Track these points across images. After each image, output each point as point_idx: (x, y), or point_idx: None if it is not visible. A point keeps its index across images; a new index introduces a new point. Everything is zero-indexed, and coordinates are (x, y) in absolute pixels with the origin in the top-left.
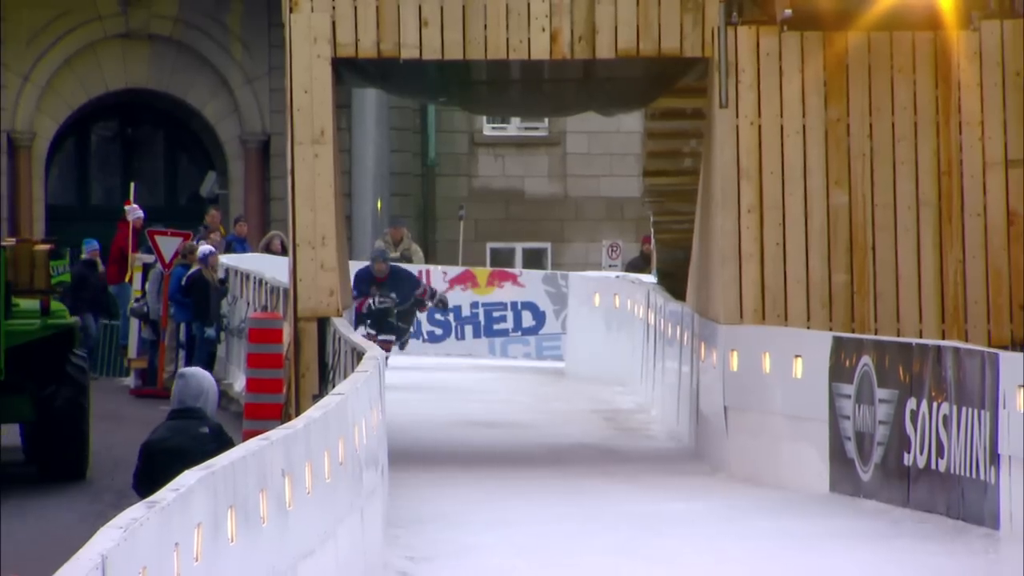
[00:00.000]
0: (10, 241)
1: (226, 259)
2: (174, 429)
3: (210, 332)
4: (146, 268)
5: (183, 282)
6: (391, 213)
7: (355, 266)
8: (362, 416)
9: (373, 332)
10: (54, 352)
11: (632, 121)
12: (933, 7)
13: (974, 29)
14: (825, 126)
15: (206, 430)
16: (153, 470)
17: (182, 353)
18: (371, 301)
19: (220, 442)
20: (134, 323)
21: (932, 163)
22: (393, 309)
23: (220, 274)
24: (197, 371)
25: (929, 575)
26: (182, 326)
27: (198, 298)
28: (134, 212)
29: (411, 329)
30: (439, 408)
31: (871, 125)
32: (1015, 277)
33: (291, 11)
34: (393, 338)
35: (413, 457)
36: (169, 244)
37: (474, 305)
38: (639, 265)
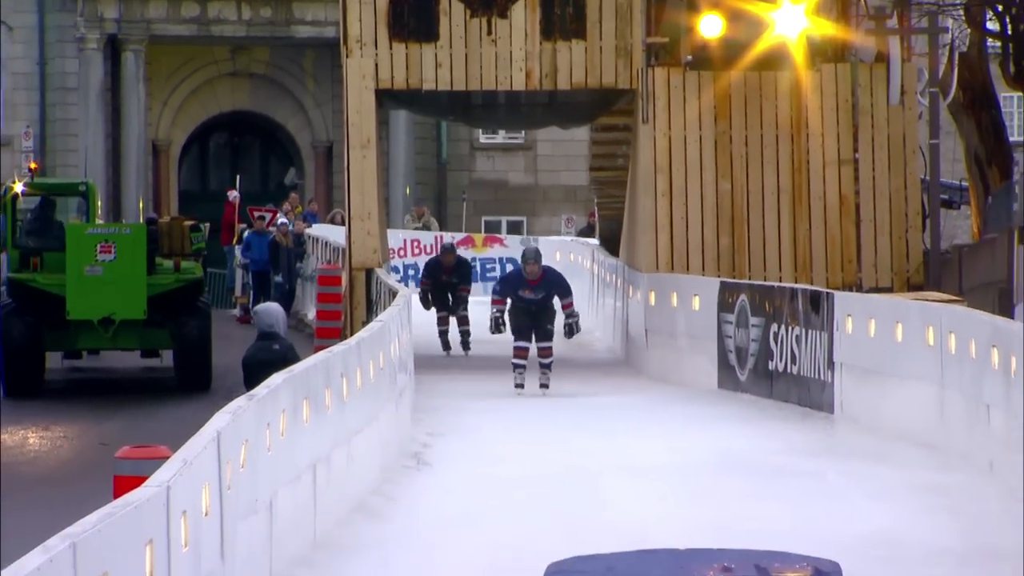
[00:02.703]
0: (165, 219)
1: (306, 228)
2: (259, 348)
3: (277, 279)
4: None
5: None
6: (416, 196)
7: (392, 234)
8: (396, 336)
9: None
10: (186, 297)
11: (582, 132)
12: (789, 55)
13: (817, 70)
14: (715, 136)
15: (277, 347)
16: (251, 376)
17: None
18: (510, 302)
19: (290, 354)
20: (239, 272)
21: (788, 163)
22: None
23: (300, 239)
24: (267, 306)
25: (786, 444)
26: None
27: (272, 255)
28: (233, 195)
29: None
30: (450, 330)
31: (746, 136)
32: (844, 241)
33: (347, 56)
34: (550, 344)
35: (431, 364)
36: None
37: (473, 260)
38: (587, 232)
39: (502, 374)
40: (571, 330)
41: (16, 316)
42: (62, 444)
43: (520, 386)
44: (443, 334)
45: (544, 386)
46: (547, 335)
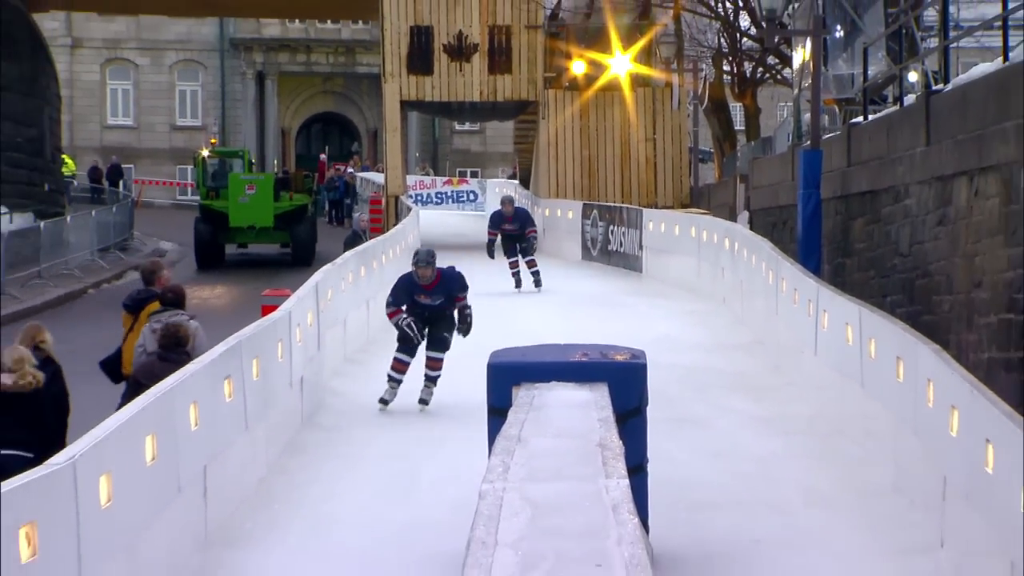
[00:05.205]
0: (293, 171)
1: (363, 174)
2: (348, 235)
3: (348, 201)
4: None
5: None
6: (421, 157)
7: (408, 178)
8: (410, 232)
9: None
10: (298, 213)
11: (510, 123)
12: (620, 83)
13: (635, 91)
14: (580, 127)
15: (352, 236)
16: (346, 250)
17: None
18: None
19: (357, 240)
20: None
21: (619, 140)
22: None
23: (358, 178)
24: (356, 216)
25: (617, 289)
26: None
27: (345, 189)
28: (323, 157)
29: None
30: (440, 228)
31: (597, 126)
32: (648, 182)
33: (385, 83)
34: (441, 356)
35: (429, 244)
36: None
37: (452, 191)
38: (512, 177)
39: (463, 251)
40: (467, 325)
41: (203, 223)
42: (233, 290)
43: (384, 402)
44: (515, 275)
45: (423, 402)
46: (440, 344)
